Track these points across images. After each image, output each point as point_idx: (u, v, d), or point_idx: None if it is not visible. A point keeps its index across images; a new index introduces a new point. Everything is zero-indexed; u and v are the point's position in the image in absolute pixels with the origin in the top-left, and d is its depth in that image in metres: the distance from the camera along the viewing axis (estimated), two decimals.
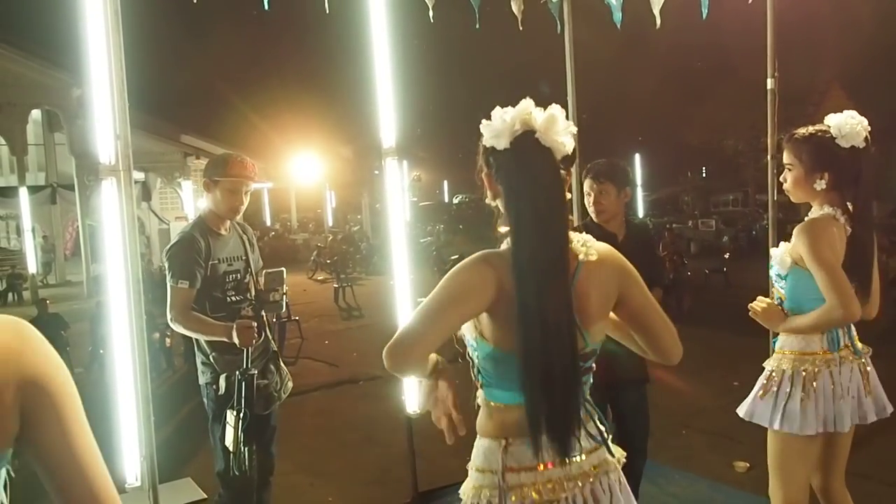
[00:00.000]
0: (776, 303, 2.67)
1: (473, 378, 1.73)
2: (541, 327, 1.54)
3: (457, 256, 18.85)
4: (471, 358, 1.71)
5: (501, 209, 1.66)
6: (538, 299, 1.55)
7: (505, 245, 1.65)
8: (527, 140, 1.58)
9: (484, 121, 1.63)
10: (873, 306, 2.64)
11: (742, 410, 2.68)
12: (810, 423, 2.50)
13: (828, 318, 2.44)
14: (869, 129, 2.55)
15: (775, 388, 2.57)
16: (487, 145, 1.63)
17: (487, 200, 1.71)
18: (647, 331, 1.75)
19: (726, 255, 15.88)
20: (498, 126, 1.59)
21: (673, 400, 6.28)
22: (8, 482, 1.01)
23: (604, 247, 1.70)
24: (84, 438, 1.00)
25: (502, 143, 1.59)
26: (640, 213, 34.70)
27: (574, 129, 1.62)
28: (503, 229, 1.65)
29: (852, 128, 2.50)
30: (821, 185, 2.54)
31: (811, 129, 2.58)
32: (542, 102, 1.65)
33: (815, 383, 2.51)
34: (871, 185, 2.59)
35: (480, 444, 1.70)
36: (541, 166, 1.59)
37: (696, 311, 11.51)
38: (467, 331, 1.67)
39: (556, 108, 1.61)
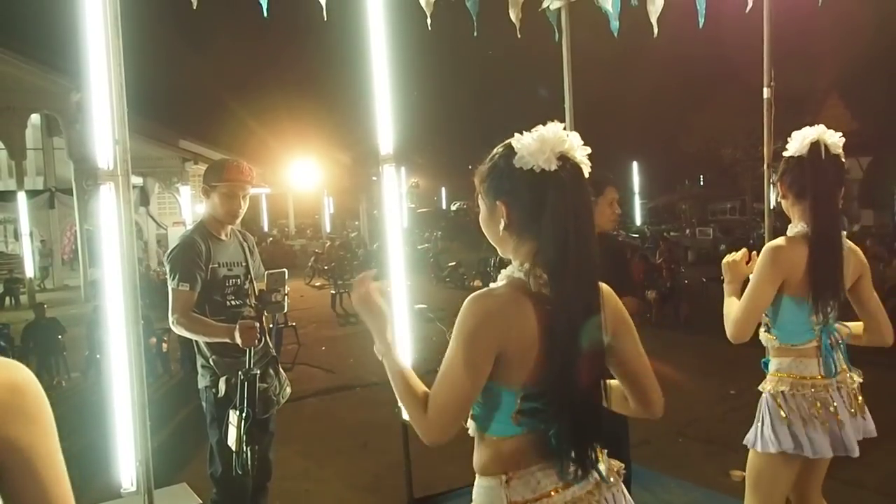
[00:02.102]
0: (763, 329, 2.66)
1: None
2: (575, 352, 1.54)
3: (454, 263, 18.88)
4: None
5: (525, 235, 1.60)
6: (582, 320, 1.55)
7: (507, 278, 1.62)
8: (569, 161, 1.56)
9: (515, 143, 1.58)
10: (887, 333, 2.62)
11: (759, 445, 2.61)
12: (800, 444, 2.48)
13: (726, 324, 2.56)
14: (837, 143, 2.51)
15: (775, 411, 2.55)
16: (526, 168, 1.55)
17: (502, 228, 1.63)
18: (635, 382, 1.74)
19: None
20: (538, 147, 1.54)
21: (669, 408, 6.27)
22: None
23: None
24: (60, 490, 1.01)
25: (552, 165, 1.54)
26: (637, 221, 34.83)
27: (588, 151, 1.62)
28: (516, 261, 1.62)
29: (800, 137, 2.51)
30: (779, 194, 2.62)
31: None
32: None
33: (813, 408, 2.50)
34: (827, 200, 2.51)
35: (481, 484, 1.64)
36: (586, 186, 1.59)
37: (693, 319, 11.52)
38: None
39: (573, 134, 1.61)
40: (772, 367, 2.64)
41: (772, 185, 3.99)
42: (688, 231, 26.47)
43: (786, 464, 2.55)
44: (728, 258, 2.75)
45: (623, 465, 1.73)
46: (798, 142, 2.52)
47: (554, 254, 1.54)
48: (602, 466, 1.65)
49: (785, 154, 2.56)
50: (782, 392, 2.55)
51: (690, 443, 5.68)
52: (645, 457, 3.69)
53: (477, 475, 1.67)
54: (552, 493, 1.57)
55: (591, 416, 1.59)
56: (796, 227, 2.55)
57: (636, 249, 14.33)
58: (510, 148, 1.60)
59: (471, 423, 1.67)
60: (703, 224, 27.87)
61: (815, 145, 2.48)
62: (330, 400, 7.74)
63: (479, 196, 1.69)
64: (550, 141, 1.55)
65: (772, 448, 2.51)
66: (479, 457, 1.67)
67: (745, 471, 4.63)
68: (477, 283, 17.34)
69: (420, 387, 1.63)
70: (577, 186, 1.57)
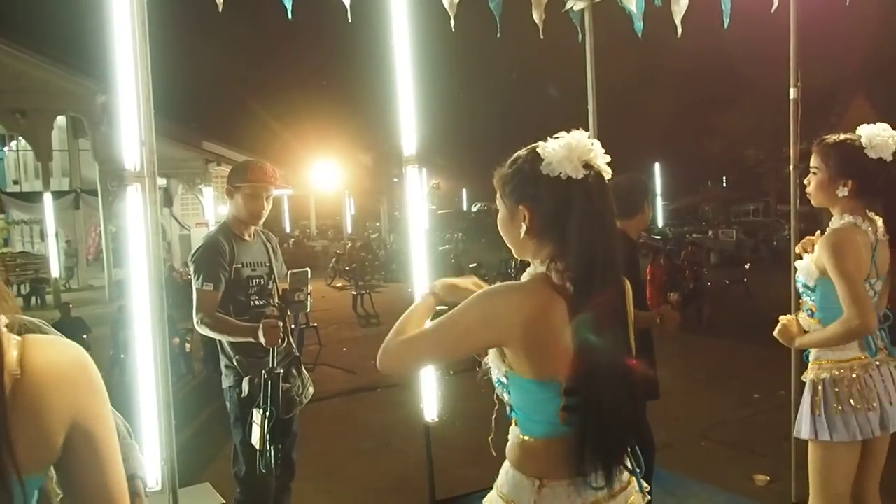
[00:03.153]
0: (806, 314, 2.68)
1: (506, 416, 1.70)
2: (610, 357, 1.56)
3: (475, 265, 18.84)
4: (499, 399, 1.68)
5: (545, 239, 1.61)
6: (610, 323, 1.57)
7: (530, 276, 1.64)
8: (593, 168, 1.58)
9: (541, 149, 1.59)
10: None
11: (804, 433, 2.63)
12: (852, 429, 2.50)
13: (846, 329, 2.47)
14: None
15: (821, 399, 2.57)
16: (553, 174, 1.56)
17: (523, 232, 1.62)
18: None
19: (747, 266, 15.73)
20: (566, 155, 1.55)
21: (692, 411, 6.23)
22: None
23: None
24: (116, 475, 1.05)
25: (579, 173, 1.55)
26: (660, 222, 34.59)
27: (608, 159, 1.63)
28: (536, 261, 1.63)
29: (883, 140, 2.49)
30: (843, 191, 2.55)
31: (842, 136, 2.59)
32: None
33: (856, 389, 2.52)
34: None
35: (512, 475, 1.65)
36: (610, 193, 1.61)
37: (716, 321, 11.42)
38: (495, 368, 1.65)
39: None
40: (812, 354, 2.66)
41: (796, 182, 3.93)
42: (710, 233, 26.22)
43: (841, 451, 2.55)
44: (778, 329, 2.76)
45: (649, 489, 1.72)
46: (881, 142, 2.49)
47: (582, 259, 1.55)
48: (627, 490, 1.65)
49: (868, 153, 2.50)
50: (824, 380, 2.57)
51: (714, 446, 5.62)
52: (668, 460, 3.66)
53: (509, 464, 1.67)
54: None
55: (623, 417, 1.59)
56: (843, 219, 2.56)
57: (658, 251, 14.20)
58: (536, 153, 1.60)
59: (514, 430, 1.67)
60: (726, 226, 27.60)
61: None
62: (351, 401, 7.75)
63: (500, 198, 1.70)
64: (577, 149, 1.56)
65: (832, 437, 2.52)
66: (515, 451, 1.67)
67: (767, 475, 4.61)
68: (498, 283, 17.26)
69: (420, 326, 1.72)
70: (601, 194, 1.58)
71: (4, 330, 0.98)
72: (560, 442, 1.58)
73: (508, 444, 1.69)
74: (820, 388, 2.58)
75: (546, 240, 1.61)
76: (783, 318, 2.77)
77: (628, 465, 1.64)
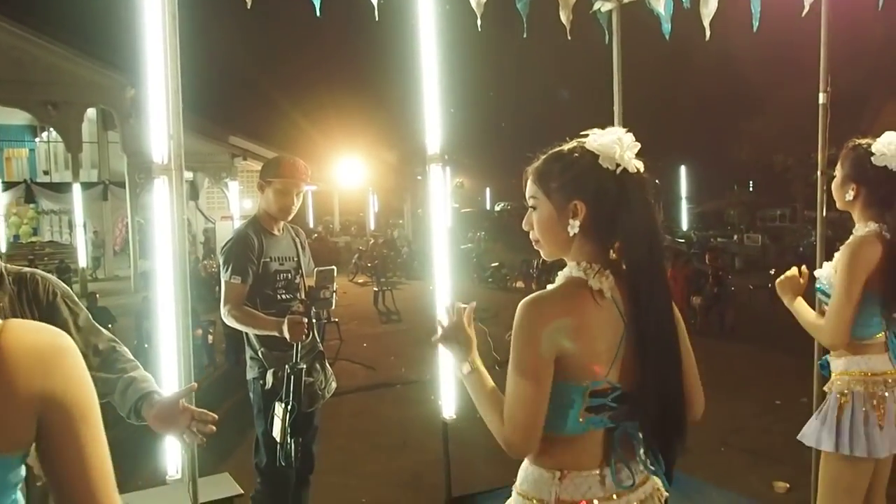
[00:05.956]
0: None
1: None
2: (663, 350, 1.59)
3: (497, 264, 18.83)
4: None
5: (593, 235, 1.59)
6: (659, 325, 1.58)
7: (565, 278, 1.61)
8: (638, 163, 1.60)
9: (594, 143, 1.57)
10: None
11: (820, 443, 2.60)
12: (875, 446, 2.46)
13: (816, 333, 2.63)
14: None
15: (850, 414, 2.52)
16: (611, 168, 1.55)
17: (574, 230, 1.57)
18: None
19: (772, 272, 15.54)
20: (621, 150, 1.55)
21: (713, 416, 6.18)
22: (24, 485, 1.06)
23: None
24: (98, 461, 1.03)
25: (634, 166, 1.57)
26: (684, 226, 34.31)
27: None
28: (573, 261, 1.61)
29: (889, 149, 2.47)
30: (849, 195, 2.58)
31: (864, 140, 2.58)
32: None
33: (884, 406, 2.48)
34: None
35: (531, 471, 1.65)
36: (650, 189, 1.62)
37: (739, 327, 11.32)
38: None
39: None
40: (839, 365, 2.61)
41: (824, 191, 3.89)
42: (735, 237, 25.95)
43: (860, 467, 2.52)
44: (782, 278, 2.76)
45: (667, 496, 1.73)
46: (888, 151, 2.47)
47: (641, 254, 1.57)
48: (647, 484, 1.66)
49: (873, 160, 2.49)
50: (853, 392, 2.53)
51: (733, 453, 5.57)
52: (686, 465, 3.63)
53: (528, 461, 1.67)
54: (599, 502, 1.58)
55: (678, 412, 1.63)
56: (867, 227, 2.54)
57: (680, 254, 14.09)
58: (586, 148, 1.58)
59: None
60: (752, 231, 27.30)
61: None
62: (370, 396, 7.80)
63: (543, 195, 1.62)
64: (629, 144, 1.56)
65: (853, 451, 2.48)
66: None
67: (787, 483, 4.56)
68: (519, 283, 17.28)
69: (501, 401, 1.61)
70: (648, 188, 1.59)
71: None
72: (581, 437, 1.59)
73: None
74: (849, 402, 2.53)
75: (593, 236, 1.58)
76: (792, 271, 2.75)
77: (643, 459, 1.65)
